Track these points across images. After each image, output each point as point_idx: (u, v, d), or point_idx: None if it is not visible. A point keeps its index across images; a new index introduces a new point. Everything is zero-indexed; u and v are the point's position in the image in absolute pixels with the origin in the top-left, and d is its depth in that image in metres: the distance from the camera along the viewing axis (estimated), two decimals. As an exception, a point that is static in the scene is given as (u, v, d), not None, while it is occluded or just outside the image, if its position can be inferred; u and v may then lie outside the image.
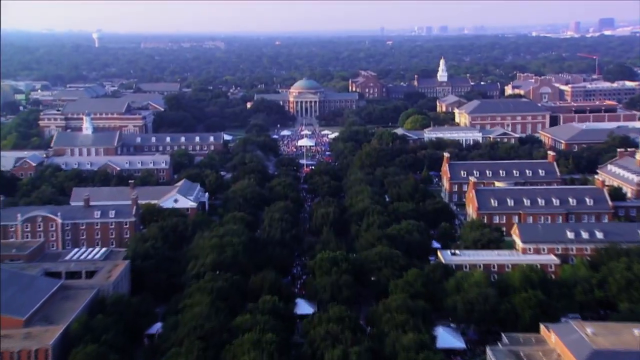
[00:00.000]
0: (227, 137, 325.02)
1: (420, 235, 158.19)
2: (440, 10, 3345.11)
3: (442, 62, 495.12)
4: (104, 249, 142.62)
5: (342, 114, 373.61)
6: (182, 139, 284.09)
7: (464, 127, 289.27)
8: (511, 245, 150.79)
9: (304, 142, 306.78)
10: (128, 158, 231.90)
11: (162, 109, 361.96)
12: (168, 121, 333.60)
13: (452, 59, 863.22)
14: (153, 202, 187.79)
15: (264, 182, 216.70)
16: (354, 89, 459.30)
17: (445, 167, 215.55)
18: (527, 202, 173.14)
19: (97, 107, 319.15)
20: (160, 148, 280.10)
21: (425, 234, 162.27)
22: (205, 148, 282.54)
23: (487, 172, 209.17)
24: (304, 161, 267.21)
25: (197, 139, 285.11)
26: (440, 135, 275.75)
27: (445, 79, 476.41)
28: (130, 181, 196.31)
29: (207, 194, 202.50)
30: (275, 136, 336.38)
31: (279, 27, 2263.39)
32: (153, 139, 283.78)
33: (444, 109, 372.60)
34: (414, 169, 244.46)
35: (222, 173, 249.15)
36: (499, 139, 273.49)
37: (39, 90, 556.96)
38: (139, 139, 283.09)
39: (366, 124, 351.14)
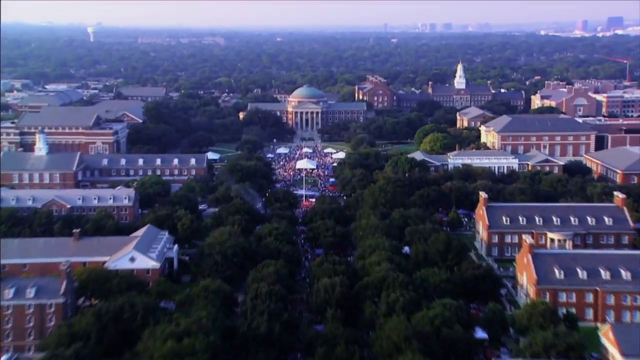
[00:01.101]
0: (213, 155, 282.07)
1: (461, 325, 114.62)
2: (443, 6, 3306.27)
3: (459, 67, 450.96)
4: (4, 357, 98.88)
5: (348, 128, 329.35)
6: (158, 161, 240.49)
7: (497, 152, 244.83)
8: (597, 347, 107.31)
9: (303, 164, 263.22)
10: (81, 192, 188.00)
11: (140, 121, 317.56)
12: (146, 136, 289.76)
13: (463, 60, 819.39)
14: (104, 258, 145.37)
15: (251, 227, 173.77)
16: (360, 97, 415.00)
17: (481, 211, 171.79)
18: (605, 274, 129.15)
19: (60, 119, 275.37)
20: (132, 172, 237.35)
21: (467, 323, 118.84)
22: (185, 172, 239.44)
23: (537, 218, 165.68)
24: (302, 192, 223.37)
25: (176, 161, 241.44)
26: (467, 161, 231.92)
27: (463, 86, 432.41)
28: (75, 230, 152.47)
29: (176, 246, 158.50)
30: (270, 155, 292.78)
31: (280, 23, 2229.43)
32: (123, 161, 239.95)
33: (465, 124, 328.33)
34: (437, 204, 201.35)
35: (202, 207, 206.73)
36: (539, 167, 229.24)
37: (15, 92, 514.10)
38: (105, 161, 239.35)
39: (375, 140, 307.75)
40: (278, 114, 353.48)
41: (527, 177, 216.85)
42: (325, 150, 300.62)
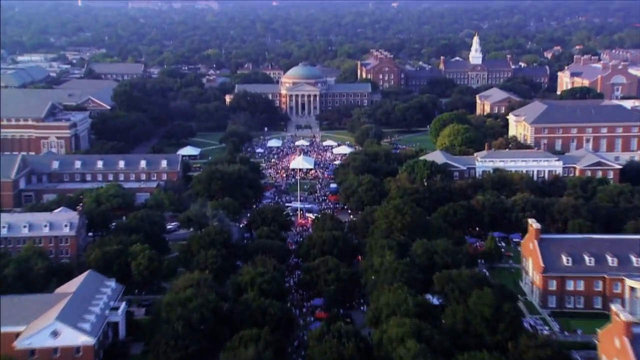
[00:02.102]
0: (192, 150, 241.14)
1: None
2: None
3: (475, 40, 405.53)
4: None
5: (351, 114, 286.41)
6: (121, 163, 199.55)
7: (535, 153, 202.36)
8: None
9: (298, 162, 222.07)
10: (9, 218, 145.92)
11: (109, 108, 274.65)
12: (112, 128, 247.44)
13: (468, 27, 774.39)
14: (19, 329, 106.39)
15: (230, 266, 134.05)
16: (364, 75, 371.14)
17: (531, 245, 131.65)
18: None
19: (7, 108, 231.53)
20: (89, 177, 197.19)
21: None
22: (154, 177, 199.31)
23: (609, 257, 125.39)
24: (297, 203, 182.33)
25: (143, 163, 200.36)
26: (499, 163, 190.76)
27: (479, 61, 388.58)
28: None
29: (123, 305, 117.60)
30: (260, 150, 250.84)
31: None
32: (77, 164, 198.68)
33: (486, 109, 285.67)
34: (466, 224, 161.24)
35: (171, 226, 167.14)
36: (589, 171, 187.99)
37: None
38: (56, 164, 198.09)
39: (383, 128, 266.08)
40: (270, 97, 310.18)
41: (577, 185, 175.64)
42: (324, 143, 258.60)
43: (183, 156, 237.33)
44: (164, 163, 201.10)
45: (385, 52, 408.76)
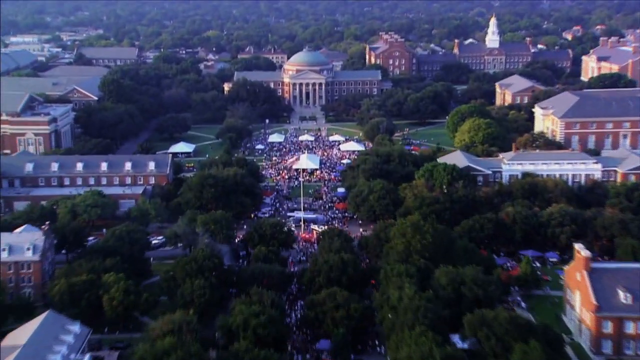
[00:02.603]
0: (186, 147, 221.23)
1: None
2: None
3: (492, 21, 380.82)
4: None
5: (360, 105, 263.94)
6: (104, 165, 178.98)
7: (570, 154, 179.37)
8: None
9: (302, 163, 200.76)
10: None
11: (96, 99, 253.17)
12: (99, 121, 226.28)
13: (479, 5, 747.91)
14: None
15: (220, 297, 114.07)
16: (372, 60, 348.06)
17: (579, 275, 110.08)
18: None
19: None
20: (67, 181, 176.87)
21: None
22: (141, 181, 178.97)
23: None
24: (300, 213, 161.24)
25: (129, 165, 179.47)
26: (529, 167, 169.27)
27: (496, 44, 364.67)
28: None
29: (87, 357, 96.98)
30: (260, 146, 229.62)
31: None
32: (55, 166, 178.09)
33: (507, 99, 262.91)
34: (495, 240, 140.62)
35: (156, 241, 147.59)
36: (632, 175, 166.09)
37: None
38: (30, 167, 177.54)
39: (394, 119, 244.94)
40: (271, 85, 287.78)
41: (622, 194, 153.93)
42: (331, 138, 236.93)
43: (175, 154, 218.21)
44: (151, 165, 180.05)
45: (395, 34, 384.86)
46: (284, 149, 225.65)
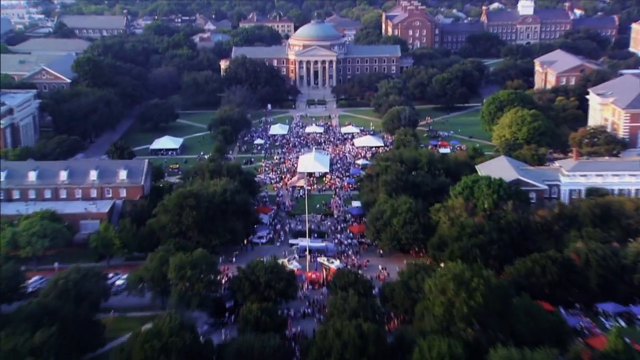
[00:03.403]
0: (172, 142, 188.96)
1: None
2: None
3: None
4: None
5: (376, 88, 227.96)
6: (63, 175, 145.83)
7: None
8: None
9: (309, 163, 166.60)
10: None
11: (69, 81, 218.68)
12: (68, 113, 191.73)
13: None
14: None
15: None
16: (390, 31, 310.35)
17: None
18: None
19: None
20: (17, 194, 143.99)
21: None
22: (109, 193, 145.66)
23: None
24: (305, 241, 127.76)
25: (94, 174, 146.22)
26: (595, 179, 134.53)
27: (530, 11, 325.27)
28: None
29: None
30: (260, 140, 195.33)
31: None
32: (1, 176, 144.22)
33: (550, 80, 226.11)
34: (562, 288, 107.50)
35: (119, 281, 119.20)
36: None
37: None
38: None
39: (417, 103, 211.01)
40: (275, 64, 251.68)
41: None
42: (343, 130, 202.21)
43: (159, 151, 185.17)
44: (122, 174, 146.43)
45: (414, 0, 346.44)
46: (289, 144, 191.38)
